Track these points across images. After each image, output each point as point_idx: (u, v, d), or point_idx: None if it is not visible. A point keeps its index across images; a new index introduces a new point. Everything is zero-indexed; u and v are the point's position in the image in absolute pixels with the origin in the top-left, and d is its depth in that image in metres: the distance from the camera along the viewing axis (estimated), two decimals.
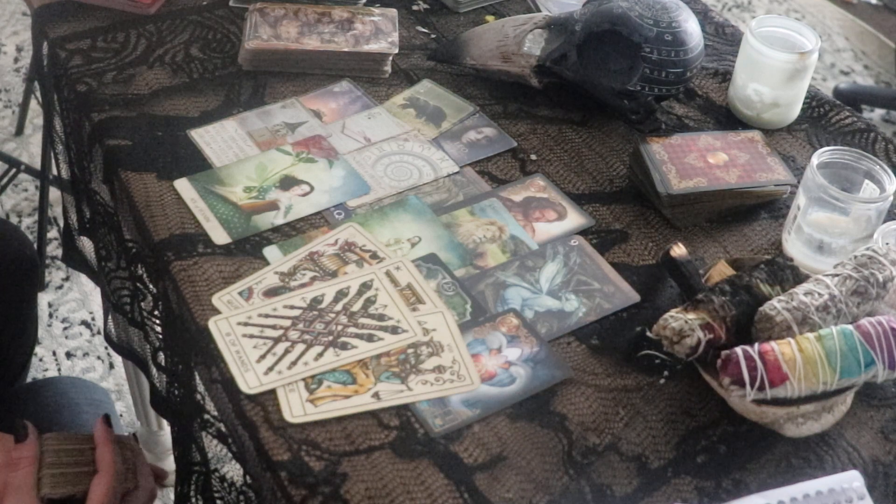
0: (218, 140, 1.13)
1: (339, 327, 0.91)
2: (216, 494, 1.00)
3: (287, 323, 0.91)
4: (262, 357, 0.88)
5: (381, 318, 0.92)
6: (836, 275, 0.90)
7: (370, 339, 0.91)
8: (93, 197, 1.22)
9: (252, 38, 1.23)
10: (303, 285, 0.96)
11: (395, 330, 0.91)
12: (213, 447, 0.99)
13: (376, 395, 0.87)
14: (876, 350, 0.84)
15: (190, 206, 1.04)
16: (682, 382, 0.91)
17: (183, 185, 1.07)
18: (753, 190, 1.08)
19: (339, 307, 0.93)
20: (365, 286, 0.95)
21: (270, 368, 0.87)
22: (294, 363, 0.88)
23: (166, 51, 1.26)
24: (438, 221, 1.05)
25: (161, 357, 1.07)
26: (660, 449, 0.86)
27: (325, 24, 1.27)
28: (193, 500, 1.04)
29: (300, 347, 0.89)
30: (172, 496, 1.11)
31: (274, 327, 0.91)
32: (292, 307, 0.93)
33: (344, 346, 0.90)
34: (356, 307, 0.93)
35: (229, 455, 0.96)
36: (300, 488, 0.80)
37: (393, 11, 1.31)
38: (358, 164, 1.11)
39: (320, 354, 0.89)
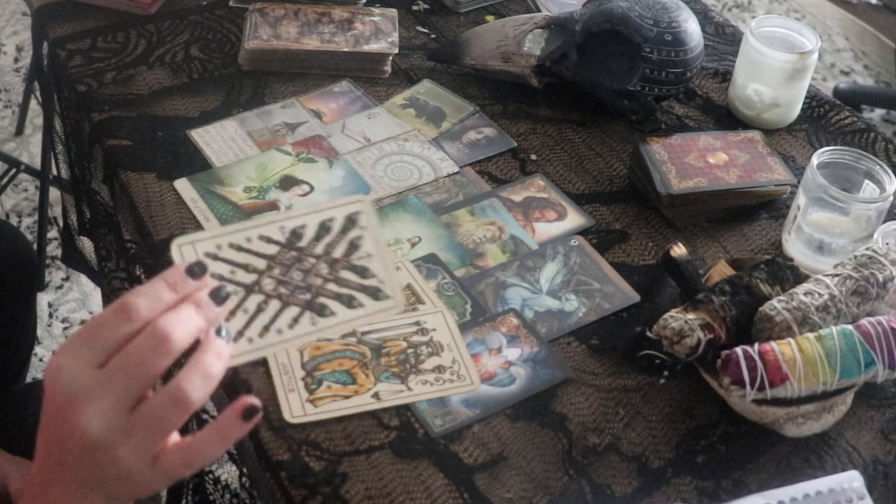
0: (218, 140, 1.13)
1: (319, 280, 0.84)
2: (210, 497, 1.00)
3: (262, 264, 0.81)
4: (233, 313, 0.78)
5: (363, 271, 0.86)
6: (836, 275, 0.90)
7: (350, 303, 0.85)
8: (93, 197, 1.22)
9: (252, 38, 1.23)
10: None
11: (376, 294, 0.86)
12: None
13: (376, 396, 0.87)
14: (876, 350, 0.84)
15: (190, 206, 1.04)
16: (682, 382, 0.91)
17: (183, 185, 1.07)
18: (753, 190, 1.08)
19: (320, 249, 0.85)
20: (351, 221, 0.88)
21: (241, 333, 0.77)
22: (266, 329, 0.80)
23: (166, 51, 1.26)
24: (438, 221, 1.05)
25: None
26: (660, 449, 0.86)
27: (325, 24, 1.27)
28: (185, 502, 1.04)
29: (275, 305, 0.80)
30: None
31: (247, 268, 0.81)
32: (269, 240, 0.82)
33: (321, 311, 0.83)
34: (339, 251, 0.85)
35: (224, 457, 0.96)
36: (300, 488, 0.80)
37: (393, 11, 1.31)
38: (358, 164, 1.11)
39: (295, 320, 0.82)
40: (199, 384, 0.61)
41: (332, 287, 0.83)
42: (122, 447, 0.59)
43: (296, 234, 0.83)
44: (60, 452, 0.61)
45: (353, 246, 0.85)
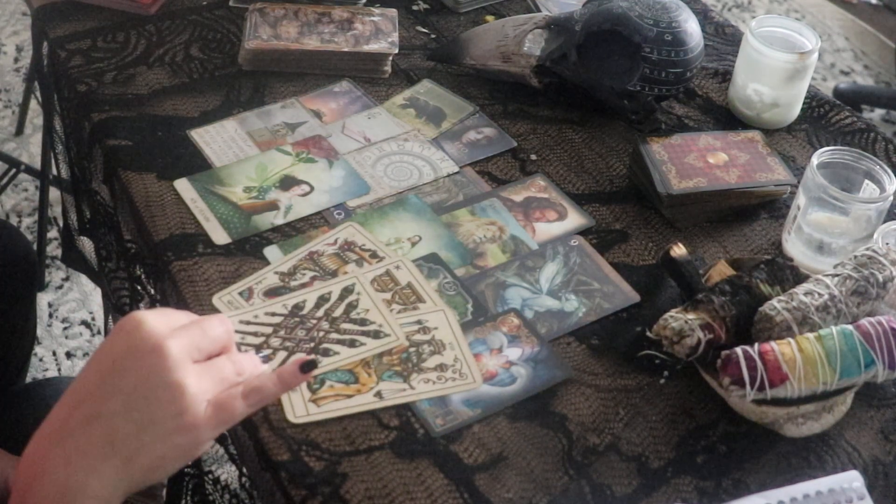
0: (218, 140, 1.13)
1: (321, 333, 0.90)
2: (209, 498, 1.00)
3: (268, 330, 0.90)
4: None
5: (362, 322, 0.92)
6: (836, 275, 0.90)
7: (352, 344, 0.90)
8: (93, 197, 1.22)
9: (252, 38, 1.23)
10: (303, 285, 0.96)
11: (376, 334, 0.91)
12: (208, 448, 0.98)
13: (378, 395, 0.87)
14: (876, 350, 0.84)
15: (190, 206, 1.04)
16: (682, 382, 0.91)
17: (183, 185, 1.07)
18: (753, 190, 1.08)
19: (320, 313, 0.92)
20: (347, 290, 0.94)
21: None
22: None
23: (166, 51, 1.26)
24: (439, 221, 1.05)
25: None
26: (660, 449, 0.86)
27: (325, 24, 1.27)
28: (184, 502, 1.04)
29: (281, 355, 0.88)
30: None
31: (255, 334, 0.90)
32: (273, 314, 0.92)
33: (325, 353, 0.89)
34: (338, 312, 0.92)
35: (224, 457, 0.96)
36: (300, 488, 0.80)
37: (393, 11, 1.31)
38: (358, 164, 1.11)
39: None
40: (249, 363, 0.71)
41: (334, 335, 0.89)
42: (190, 376, 0.65)
43: (297, 307, 0.91)
44: (104, 398, 0.65)
45: (351, 306, 0.92)
